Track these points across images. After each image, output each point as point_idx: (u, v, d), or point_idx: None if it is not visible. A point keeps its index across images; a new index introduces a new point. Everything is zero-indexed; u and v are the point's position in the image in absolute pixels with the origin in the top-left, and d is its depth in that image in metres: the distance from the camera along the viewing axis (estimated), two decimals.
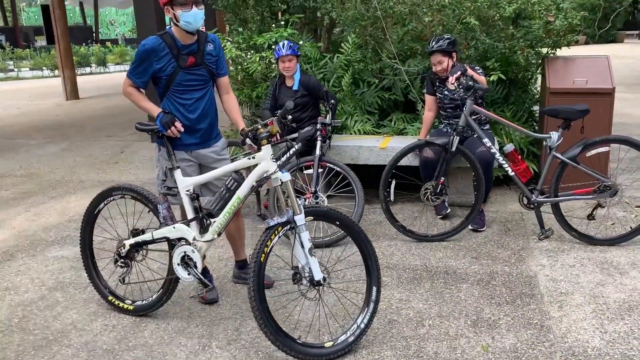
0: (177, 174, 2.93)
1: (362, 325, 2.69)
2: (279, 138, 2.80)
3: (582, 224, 3.95)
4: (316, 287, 2.63)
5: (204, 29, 3.04)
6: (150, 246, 3.09)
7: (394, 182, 3.95)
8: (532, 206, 3.86)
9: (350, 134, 5.25)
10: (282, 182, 2.69)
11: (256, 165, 2.74)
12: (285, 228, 2.61)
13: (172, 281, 3.00)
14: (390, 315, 2.99)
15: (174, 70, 2.92)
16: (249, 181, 2.75)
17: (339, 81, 5.49)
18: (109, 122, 9.62)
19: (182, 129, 2.95)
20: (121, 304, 3.13)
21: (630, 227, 3.80)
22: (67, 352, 2.78)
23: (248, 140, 2.85)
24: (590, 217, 3.86)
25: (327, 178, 4.41)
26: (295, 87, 4.49)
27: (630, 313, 2.88)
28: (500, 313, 2.96)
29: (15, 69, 21.82)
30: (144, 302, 3.09)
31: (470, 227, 4.09)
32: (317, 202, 4.08)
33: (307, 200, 4.11)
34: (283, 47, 4.37)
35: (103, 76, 20.03)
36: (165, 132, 2.91)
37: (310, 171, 4.21)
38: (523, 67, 5.12)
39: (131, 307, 3.10)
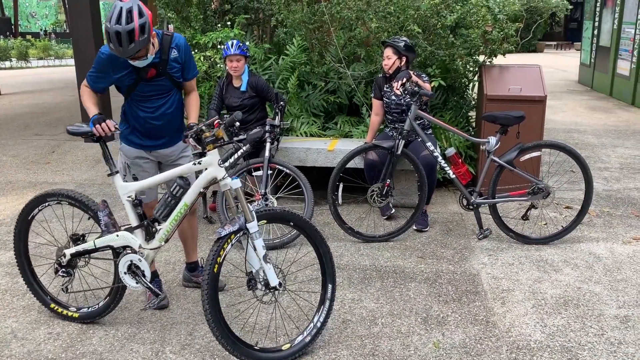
0: (117, 179, 2.82)
1: (319, 324, 2.72)
2: (225, 140, 2.70)
3: (518, 225, 4.18)
4: (272, 292, 2.62)
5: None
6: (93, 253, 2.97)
7: (341, 185, 4.02)
8: (471, 207, 4.04)
9: (297, 136, 5.28)
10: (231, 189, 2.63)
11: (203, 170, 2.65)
12: (238, 235, 2.55)
13: (119, 289, 2.90)
14: (344, 315, 3.04)
15: (133, 81, 2.81)
16: (196, 187, 2.66)
17: (284, 83, 5.51)
18: (37, 120, 9.13)
19: (113, 128, 2.76)
20: (65, 312, 3.00)
21: (562, 226, 4.06)
22: None
23: (191, 140, 2.66)
24: (525, 217, 4.09)
25: (276, 180, 4.41)
26: (243, 88, 4.46)
27: (566, 307, 3.09)
28: (448, 310, 3.09)
29: None
30: (90, 309, 2.98)
31: (414, 227, 4.23)
32: (266, 204, 4.08)
33: (257, 202, 4.10)
34: (232, 47, 4.33)
35: (25, 71, 18.94)
36: (93, 130, 2.73)
37: (259, 173, 4.20)
38: (462, 74, 5.36)
39: (76, 315, 2.98)
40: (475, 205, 4.01)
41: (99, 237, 2.83)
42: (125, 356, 2.69)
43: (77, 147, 7.14)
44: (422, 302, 3.19)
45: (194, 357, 2.68)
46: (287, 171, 4.18)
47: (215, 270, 2.47)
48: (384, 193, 4.02)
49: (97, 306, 2.98)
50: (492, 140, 3.94)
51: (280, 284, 2.61)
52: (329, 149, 4.74)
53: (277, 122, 4.29)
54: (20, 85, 14.22)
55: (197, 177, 2.73)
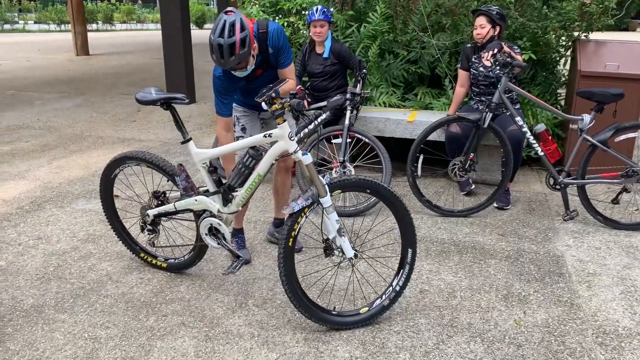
0: (191, 146, 2.85)
1: (398, 288, 2.72)
2: (307, 106, 2.69)
3: (606, 208, 3.99)
4: (349, 260, 2.63)
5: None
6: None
7: (421, 157, 3.96)
8: (558, 187, 3.89)
9: (376, 105, 5.24)
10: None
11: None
12: (311, 209, 2.54)
13: (201, 247, 3.02)
14: (421, 285, 3.04)
15: (244, 83, 2.91)
16: (268, 159, 2.67)
17: (364, 51, 5.45)
18: (122, 80, 9.54)
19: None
20: (154, 261, 3.17)
21: None
22: (105, 302, 2.83)
23: (263, 104, 2.59)
24: (615, 201, 3.89)
25: (354, 149, 4.41)
26: (325, 55, 4.45)
27: None
28: (530, 289, 3.02)
29: (21, 22, 21.52)
30: (177, 260, 3.13)
31: (495, 204, 4.13)
32: (344, 172, 4.10)
33: (335, 169, 4.12)
34: (316, 12, 4.32)
35: (110, 34, 19.78)
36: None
37: (338, 141, 4.21)
38: (553, 49, 5.10)
39: (164, 265, 3.14)
40: (562, 186, 3.85)
41: (179, 200, 2.91)
42: (211, 305, 2.81)
43: (160, 108, 7.40)
44: (502, 279, 3.12)
45: (275, 310, 2.77)
46: (366, 140, 4.17)
47: (290, 243, 2.51)
48: (466, 167, 3.94)
49: (183, 258, 3.12)
50: (587, 118, 3.75)
51: (355, 255, 2.61)
52: (409, 120, 4.67)
53: (358, 90, 4.26)
54: (105, 47, 14.87)
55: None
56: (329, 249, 2.60)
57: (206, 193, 2.86)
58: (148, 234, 3.07)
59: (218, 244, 2.87)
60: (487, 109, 3.81)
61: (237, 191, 2.79)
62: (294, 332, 2.60)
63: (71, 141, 5.81)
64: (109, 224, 3.25)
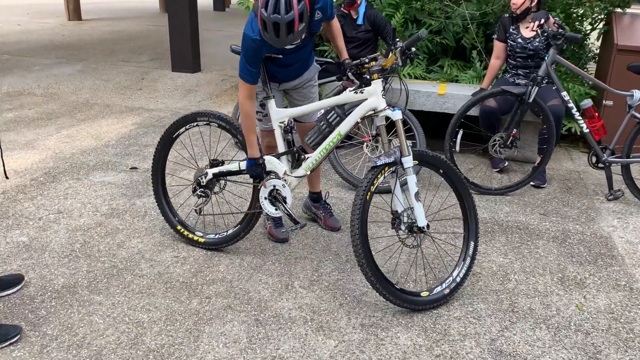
0: (271, 104, 2.74)
1: (458, 279, 2.59)
2: (399, 63, 2.53)
3: None
4: (417, 234, 2.51)
5: None
6: (231, 179, 2.93)
7: (461, 132, 3.78)
8: (601, 166, 3.74)
9: (399, 78, 5.01)
10: (388, 121, 2.53)
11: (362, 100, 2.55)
12: (391, 169, 2.46)
13: (253, 216, 2.84)
14: (473, 267, 2.89)
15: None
16: (353, 117, 2.57)
17: (387, 20, 5.20)
18: (121, 46, 9.17)
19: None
20: (191, 235, 2.98)
21: None
22: (142, 283, 2.64)
23: (350, 75, 2.69)
24: None
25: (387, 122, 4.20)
26: (359, 21, 4.21)
27: None
28: (585, 272, 2.89)
29: None
30: (217, 236, 2.94)
31: (531, 183, 3.98)
32: (377, 146, 3.90)
33: (366, 143, 3.93)
34: None
35: None
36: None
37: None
38: (588, 21, 4.91)
39: (202, 240, 2.95)
40: (606, 164, 3.71)
41: (243, 160, 2.76)
42: (255, 286, 2.64)
43: (165, 76, 7.11)
44: (554, 261, 2.99)
45: (324, 294, 2.61)
46: None
47: (367, 197, 2.40)
48: (507, 143, 3.77)
49: (225, 233, 2.93)
50: (637, 94, 3.59)
51: (427, 225, 2.50)
52: (440, 93, 4.47)
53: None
54: (97, 11, 14.34)
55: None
56: (397, 220, 2.50)
57: (275, 154, 2.74)
58: (200, 195, 2.88)
59: (276, 209, 2.73)
60: (532, 83, 3.63)
61: (308, 154, 2.68)
62: (349, 317, 2.44)
63: (77, 109, 5.52)
64: (153, 186, 3.05)
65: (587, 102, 3.70)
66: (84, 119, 5.22)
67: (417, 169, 3.80)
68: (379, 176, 2.43)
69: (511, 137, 3.75)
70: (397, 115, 2.47)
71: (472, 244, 2.61)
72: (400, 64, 2.50)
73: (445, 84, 4.79)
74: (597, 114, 3.71)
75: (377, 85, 2.50)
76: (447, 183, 2.61)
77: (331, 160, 3.95)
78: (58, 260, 2.80)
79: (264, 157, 2.72)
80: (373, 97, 2.52)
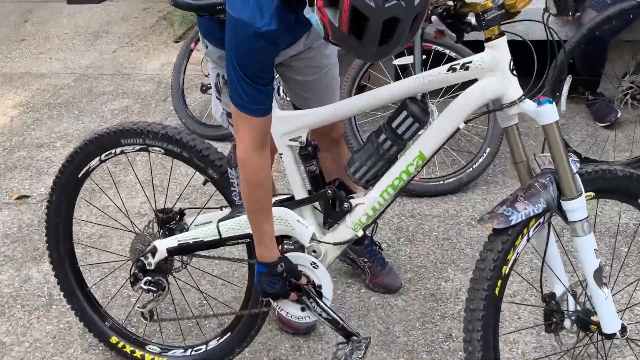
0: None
1: None
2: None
3: None
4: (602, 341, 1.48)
5: None
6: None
7: (569, 79, 2.52)
8: None
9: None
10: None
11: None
12: (539, 222, 1.37)
13: (255, 318, 1.66)
14: None
15: None
16: (448, 120, 1.40)
17: None
18: None
19: None
20: (138, 353, 1.79)
21: None
22: None
23: (437, 20, 1.42)
24: None
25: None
26: None
27: None
28: None
29: None
30: (189, 352, 1.78)
31: None
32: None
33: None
34: None
35: None
36: None
37: (405, 60, 2.62)
38: None
39: None
40: None
41: (227, 217, 1.61)
42: None
43: (59, 13, 5.30)
44: None
45: None
46: (453, 54, 2.61)
47: (496, 291, 1.37)
48: None
49: (203, 348, 1.75)
50: None
51: (623, 329, 1.43)
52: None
53: None
54: None
55: None
56: (554, 313, 1.44)
57: (288, 202, 1.60)
58: (147, 290, 1.69)
59: (303, 309, 1.56)
60: None
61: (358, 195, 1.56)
62: None
63: None
64: (54, 272, 1.82)
65: None
66: None
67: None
68: (516, 242, 1.36)
69: None
70: (547, 114, 1.31)
71: None
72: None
73: None
74: None
75: (500, 50, 1.33)
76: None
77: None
78: None
79: (286, 258, 1.53)
80: (492, 74, 1.34)
